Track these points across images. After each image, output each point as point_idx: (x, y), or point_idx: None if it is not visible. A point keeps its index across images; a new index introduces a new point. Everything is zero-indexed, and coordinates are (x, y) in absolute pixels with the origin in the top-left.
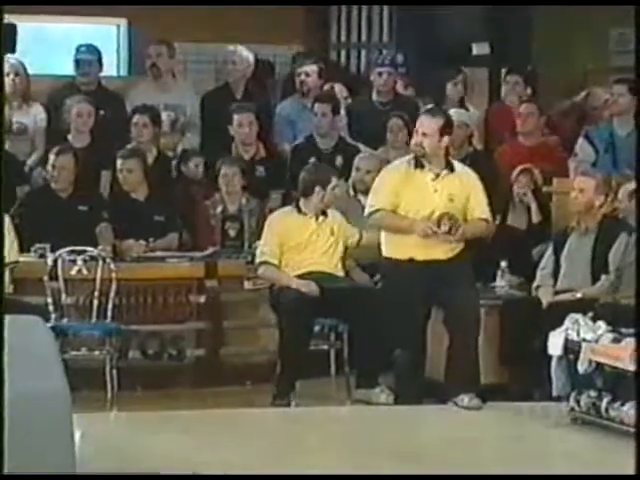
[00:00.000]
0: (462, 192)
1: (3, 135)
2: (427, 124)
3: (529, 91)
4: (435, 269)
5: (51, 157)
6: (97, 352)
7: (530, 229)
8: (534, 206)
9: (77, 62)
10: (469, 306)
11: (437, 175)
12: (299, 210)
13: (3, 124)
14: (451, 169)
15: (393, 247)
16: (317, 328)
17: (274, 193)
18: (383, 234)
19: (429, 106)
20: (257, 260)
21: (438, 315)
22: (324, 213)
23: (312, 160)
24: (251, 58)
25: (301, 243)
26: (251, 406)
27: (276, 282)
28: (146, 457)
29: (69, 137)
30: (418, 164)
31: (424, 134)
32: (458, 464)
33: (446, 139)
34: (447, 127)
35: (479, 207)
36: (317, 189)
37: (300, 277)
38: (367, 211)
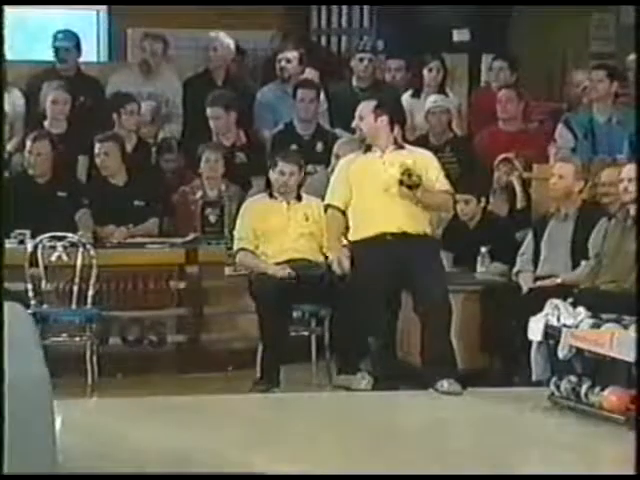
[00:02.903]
0: (416, 167)
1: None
2: (362, 107)
3: (514, 77)
4: (402, 249)
5: (28, 143)
6: (77, 338)
7: (512, 215)
8: (519, 191)
9: (55, 49)
10: (436, 289)
11: (383, 152)
12: (271, 195)
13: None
14: (399, 147)
15: (360, 227)
16: (298, 314)
17: (255, 180)
18: (351, 219)
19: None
20: (235, 247)
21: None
22: (298, 198)
23: (293, 147)
24: (232, 44)
25: (274, 228)
26: (232, 392)
27: (253, 268)
28: (127, 443)
29: (45, 123)
30: (367, 149)
31: (360, 117)
32: (438, 448)
33: (383, 119)
34: (381, 107)
35: (439, 179)
36: (280, 164)
37: (280, 264)
38: (324, 203)
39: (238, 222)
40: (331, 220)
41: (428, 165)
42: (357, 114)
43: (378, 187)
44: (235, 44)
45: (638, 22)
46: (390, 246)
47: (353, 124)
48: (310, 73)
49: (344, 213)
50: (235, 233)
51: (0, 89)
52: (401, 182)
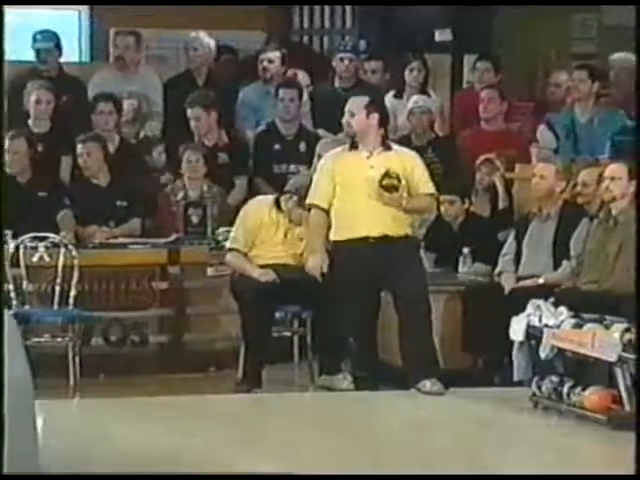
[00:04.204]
0: (401, 168)
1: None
2: (353, 104)
3: (498, 78)
4: (383, 250)
5: (6, 142)
6: (59, 339)
7: (494, 215)
8: (501, 192)
9: (36, 50)
10: (416, 289)
11: (371, 153)
12: (278, 207)
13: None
14: (387, 148)
15: (342, 228)
16: (280, 315)
17: (238, 179)
18: (333, 217)
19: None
20: (228, 245)
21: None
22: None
23: (276, 147)
24: (212, 44)
25: (272, 240)
26: (214, 392)
27: (239, 270)
28: (109, 444)
29: (29, 122)
30: (352, 147)
31: (352, 114)
32: (420, 448)
33: (375, 116)
34: (373, 104)
35: (423, 182)
36: (295, 197)
37: (262, 266)
38: (307, 201)
39: (238, 222)
40: (315, 223)
41: (414, 167)
42: (347, 109)
43: (364, 189)
44: (222, 44)
45: (638, 22)
46: (372, 248)
47: (343, 120)
48: (301, 76)
49: (327, 212)
50: (232, 232)
51: (0, 89)
52: (380, 185)
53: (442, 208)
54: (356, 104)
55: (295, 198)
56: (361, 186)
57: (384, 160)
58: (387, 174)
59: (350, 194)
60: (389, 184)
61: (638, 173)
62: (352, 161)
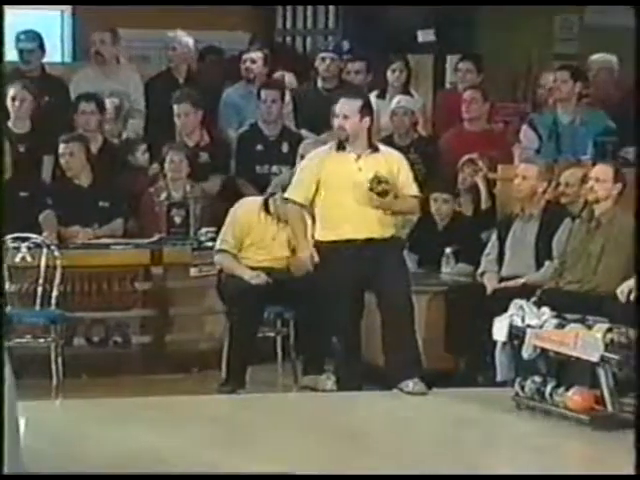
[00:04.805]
0: (388, 170)
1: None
2: (347, 106)
3: (480, 79)
4: (368, 251)
5: None
6: (42, 340)
7: (477, 216)
8: (484, 192)
9: (19, 51)
10: (400, 290)
11: (359, 155)
12: (266, 209)
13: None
14: (375, 149)
15: (328, 229)
16: (264, 315)
17: (213, 177)
18: (318, 216)
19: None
20: (217, 246)
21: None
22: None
23: (259, 148)
24: (191, 42)
25: (259, 243)
26: (197, 393)
27: (229, 271)
28: (92, 444)
29: (9, 123)
30: (340, 147)
31: (345, 116)
32: (404, 448)
33: (367, 120)
34: (366, 107)
35: (409, 184)
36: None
37: (251, 269)
38: (285, 194)
39: (227, 222)
40: (295, 218)
41: (400, 169)
42: (340, 112)
43: (351, 192)
44: (206, 44)
45: (638, 22)
46: (357, 250)
47: (335, 122)
48: (288, 78)
49: (303, 207)
50: (221, 232)
51: (0, 88)
52: (371, 189)
53: (434, 206)
54: (349, 107)
55: (278, 195)
56: (348, 188)
57: (372, 163)
58: (377, 179)
59: (337, 196)
60: (380, 189)
61: (638, 174)
62: (340, 163)
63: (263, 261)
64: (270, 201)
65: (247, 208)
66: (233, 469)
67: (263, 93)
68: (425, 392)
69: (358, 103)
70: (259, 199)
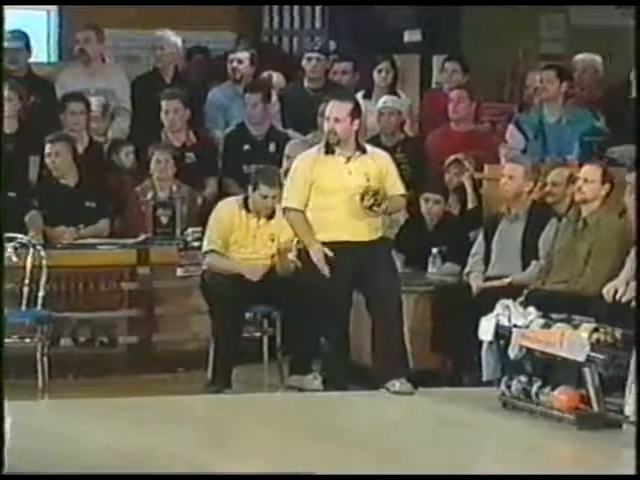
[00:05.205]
0: (377, 172)
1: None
2: (338, 110)
3: (466, 79)
4: (357, 252)
5: None
6: (28, 340)
7: (463, 216)
8: (470, 192)
9: (5, 50)
10: (388, 290)
11: (349, 158)
12: (246, 206)
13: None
14: (363, 151)
15: (317, 231)
16: (250, 315)
17: (210, 180)
18: (310, 217)
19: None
20: (204, 248)
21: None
22: (272, 215)
23: (246, 147)
24: (179, 43)
25: (243, 241)
26: (183, 393)
27: (224, 270)
28: (78, 444)
29: None
30: (329, 150)
31: (336, 119)
32: (390, 448)
33: (357, 122)
34: (356, 110)
35: (396, 184)
36: (263, 189)
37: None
38: (282, 204)
39: (210, 222)
40: (297, 223)
41: (388, 170)
42: (331, 115)
43: (341, 195)
44: (193, 44)
45: (638, 22)
46: (347, 251)
47: (326, 125)
48: (276, 77)
49: (302, 212)
50: (206, 233)
51: (0, 89)
52: (362, 200)
53: (425, 207)
54: (341, 110)
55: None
56: (338, 192)
57: (362, 166)
58: (368, 192)
59: (327, 199)
60: (372, 204)
61: (638, 175)
62: (330, 167)
63: (247, 260)
64: (250, 199)
65: (228, 208)
66: (218, 469)
67: (246, 97)
68: (412, 392)
69: (349, 106)
70: (239, 198)
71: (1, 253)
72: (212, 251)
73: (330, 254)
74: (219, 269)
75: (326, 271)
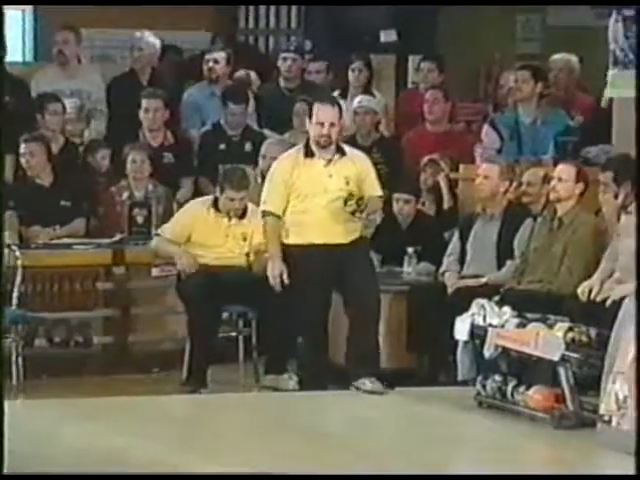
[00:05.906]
0: (356, 175)
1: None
2: (331, 114)
3: (442, 78)
4: (335, 254)
5: None
6: (2, 340)
7: (439, 215)
8: (446, 192)
9: None
10: (367, 290)
11: (329, 161)
12: (215, 206)
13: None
14: (342, 153)
15: (295, 233)
16: (226, 315)
17: (185, 180)
18: (287, 222)
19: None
20: (156, 231)
21: (341, 300)
22: (243, 214)
23: (222, 147)
24: (157, 44)
25: (213, 240)
26: (159, 393)
27: (164, 255)
28: (53, 445)
29: None
30: (309, 152)
31: (332, 124)
32: (365, 448)
33: (341, 124)
34: (341, 113)
35: (374, 185)
36: (229, 192)
37: (207, 267)
38: (261, 207)
39: (176, 216)
40: (271, 230)
41: (366, 170)
42: (324, 120)
43: (321, 199)
44: (167, 43)
45: (638, 22)
46: (326, 253)
47: (317, 130)
48: (253, 76)
49: (279, 217)
50: (168, 223)
51: (0, 88)
52: (345, 204)
53: (396, 207)
54: (334, 115)
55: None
56: (319, 195)
57: (342, 169)
58: (352, 198)
59: (307, 202)
60: (355, 209)
61: (638, 175)
62: (310, 170)
63: (220, 259)
64: (220, 200)
65: (196, 206)
66: (194, 468)
67: (230, 107)
68: (382, 391)
69: (338, 110)
70: (209, 198)
71: (1, 253)
72: (157, 235)
73: (285, 277)
74: (161, 253)
75: (277, 287)
